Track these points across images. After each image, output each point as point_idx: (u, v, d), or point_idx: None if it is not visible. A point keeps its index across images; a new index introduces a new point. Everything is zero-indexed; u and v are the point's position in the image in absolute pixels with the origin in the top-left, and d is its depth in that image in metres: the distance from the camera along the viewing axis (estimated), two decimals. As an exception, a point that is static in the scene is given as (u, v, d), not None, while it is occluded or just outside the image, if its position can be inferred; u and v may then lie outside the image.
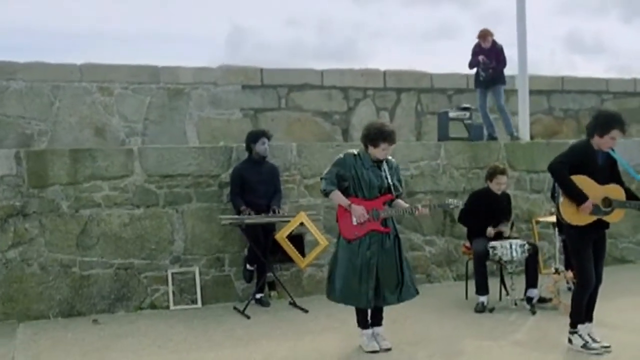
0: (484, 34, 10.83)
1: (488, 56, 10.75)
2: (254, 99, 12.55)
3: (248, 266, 8.07)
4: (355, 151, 6.23)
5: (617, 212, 6.06)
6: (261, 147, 7.94)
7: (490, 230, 7.86)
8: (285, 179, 8.46)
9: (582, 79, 14.52)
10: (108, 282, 7.77)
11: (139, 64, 12.06)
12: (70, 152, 7.81)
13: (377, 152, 6.08)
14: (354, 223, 6.06)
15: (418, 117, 13.44)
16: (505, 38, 26.62)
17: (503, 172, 7.97)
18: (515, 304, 7.63)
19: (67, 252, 7.65)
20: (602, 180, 6.02)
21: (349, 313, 6.39)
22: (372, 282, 6.01)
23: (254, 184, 7.95)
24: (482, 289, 7.70)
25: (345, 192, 6.11)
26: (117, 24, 25.93)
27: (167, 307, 7.93)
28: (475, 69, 11.04)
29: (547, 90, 14.24)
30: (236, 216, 7.72)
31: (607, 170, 6.10)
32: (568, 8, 34.79)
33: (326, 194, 6.15)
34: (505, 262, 7.55)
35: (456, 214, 8.66)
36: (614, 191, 6.02)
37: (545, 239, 9.53)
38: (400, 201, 6.32)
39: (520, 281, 7.80)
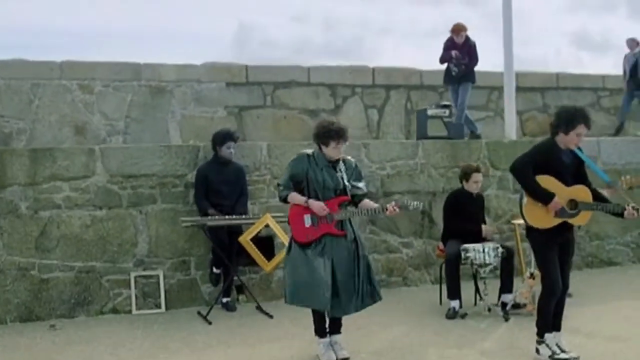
0: (458, 29, 10.52)
1: (461, 51, 10.44)
2: (239, 96, 12.31)
3: (214, 269, 7.83)
4: (309, 151, 5.97)
5: (584, 215, 5.77)
6: (226, 151, 7.71)
7: (488, 228, 7.63)
8: (255, 178, 8.21)
9: (577, 75, 14.15)
10: (68, 286, 7.55)
11: (120, 61, 11.84)
12: (30, 152, 7.60)
13: (329, 152, 5.83)
14: (307, 225, 5.81)
15: (407, 115, 13.14)
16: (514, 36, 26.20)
17: (478, 169, 7.69)
18: (489, 310, 7.34)
19: (25, 255, 7.44)
20: (568, 180, 5.74)
21: (290, 319, 6.13)
22: (328, 287, 5.73)
23: (218, 184, 7.72)
24: (453, 294, 7.41)
25: (301, 195, 5.85)
26: (121, 22, 25.85)
27: (130, 312, 7.70)
28: (445, 65, 10.72)
29: (542, 87, 13.90)
30: (197, 218, 7.48)
31: (573, 170, 5.80)
32: (575, 5, 34.31)
33: (284, 200, 5.90)
34: (478, 265, 7.25)
35: (418, 216, 8.45)
36: (580, 192, 5.72)
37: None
38: (367, 201, 6.05)
39: (496, 286, 7.52)
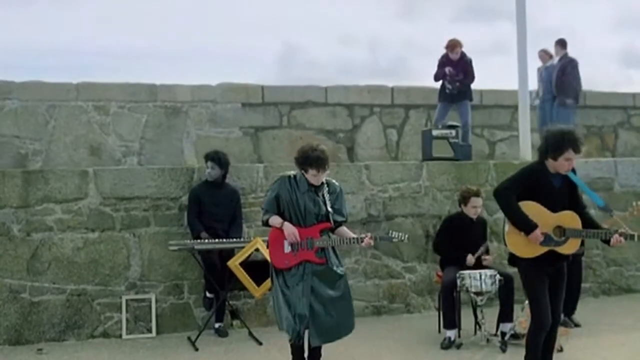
0: (453, 45, 10.24)
1: (455, 68, 10.15)
2: (255, 117, 12.21)
3: (207, 294, 7.68)
4: (292, 173, 5.79)
5: (572, 242, 5.44)
6: (205, 171, 7.61)
7: (471, 258, 7.29)
8: (252, 201, 8.06)
9: (606, 93, 13.68)
10: (59, 309, 7.49)
11: (135, 82, 11.88)
12: (22, 174, 7.60)
13: (309, 178, 5.64)
14: (286, 250, 5.63)
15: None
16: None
17: (477, 194, 7.40)
18: (488, 340, 7.02)
19: (16, 277, 7.41)
20: (558, 206, 5.43)
21: (286, 346, 5.92)
22: (305, 317, 5.53)
23: (211, 207, 7.60)
24: (449, 323, 7.12)
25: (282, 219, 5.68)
26: (172, 42, 26.10)
27: (120, 336, 7.58)
28: (440, 82, 10.47)
29: (568, 106, 13.41)
30: (186, 241, 7.36)
31: (565, 194, 5.48)
32: (623, 23, 33.47)
33: (265, 223, 5.75)
34: (474, 293, 6.95)
35: (422, 240, 8.19)
36: (568, 219, 5.41)
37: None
38: (344, 229, 5.84)
39: (495, 314, 7.21)
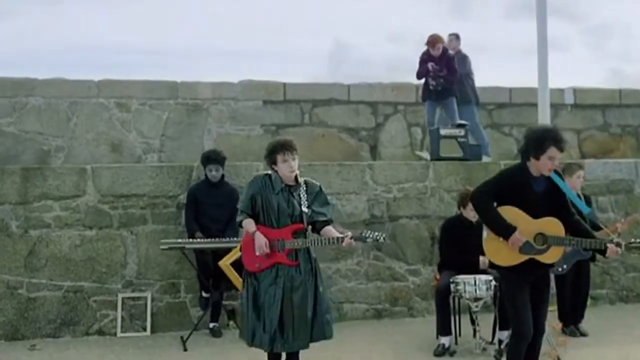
0: (434, 41, 9.94)
1: (438, 64, 9.83)
2: (276, 114, 12.11)
3: (204, 293, 7.63)
4: (267, 173, 5.65)
5: (554, 251, 5.17)
6: (209, 173, 7.53)
7: (485, 260, 7.04)
8: (251, 201, 7.93)
9: (642, 91, 13.14)
10: (55, 306, 7.53)
11: (157, 79, 11.90)
12: (21, 171, 7.67)
13: (281, 169, 5.47)
14: (257, 253, 5.48)
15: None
16: (618, 52, 25.09)
17: (476, 197, 7.11)
18: (484, 349, 6.77)
19: (14, 274, 7.48)
20: (541, 211, 5.16)
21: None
22: (275, 321, 5.39)
23: (208, 206, 7.53)
24: (444, 330, 6.90)
25: (256, 220, 5.54)
26: (222, 40, 26.22)
27: (115, 334, 7.58)
28: (423, 80, 10.23)
29: (603, 105, 12.95)
30: (178, 240, 7.31)
31: (548, 200, 5.20)
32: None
33: (239, 225, 5.61)
34: (468, 299, 6.70)
35: (427, 242, 7.96)
36: (550, 225, 5.14)
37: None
38: (330, 229, 5.65)
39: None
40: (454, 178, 8.48)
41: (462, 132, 8.99)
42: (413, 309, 8.28)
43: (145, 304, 7.68)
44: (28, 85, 11.41)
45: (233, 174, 7.88)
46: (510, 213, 5.13)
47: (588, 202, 7.45)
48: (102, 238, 7.68)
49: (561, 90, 12.90)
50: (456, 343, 6.98)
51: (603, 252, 5.08)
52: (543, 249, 5.12)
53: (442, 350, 6.78)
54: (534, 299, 5.25)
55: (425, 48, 10.23)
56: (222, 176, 7.66)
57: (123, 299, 7.65)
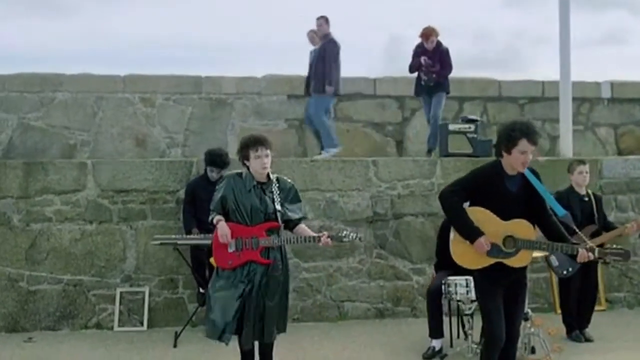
0: (428, 33, 9.57)
1: (431, 58, 9.47)
2: (300, 109, 11.91)
3: (201, 289, 7.58)
4: (239, 171, 5.57)
5: (523, 254, 4.90)
6: (210, 173, 7.49)
7: None
8: (250, 196, 7.86)
9: (683, 85, 12.49)
10: (55, 299, 7.63)
11: (181, 74, 11.94)
12: (23, 165, 7.78)
13: (253, 166, 5.39)
14: (230, 250, 5.41)
15: (483, 129, 12.15)
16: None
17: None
18: (477, 352, 6.51)
19: (15, 266, 7.60)
20: (514, 213, 4.90)
21: (284, 347, 5.89)
22: (250, 319, 5.31)
23: (206, 202, 7.36)
24: (435, 332, 6.68)
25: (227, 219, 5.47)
26: (266, 33, 26.28)
27: (112, 328, 7.63)
28: (416, 73, 9.85)
29: (640, 99, 12.40)
30: (170, 235, 7.29)
31: (523, 200, 4.94)
32: None
33: (211, 223, 5.56)
34: (460, 301, 6.47)
35: (433, 240, 7.68)
36: (520, 228, 4.87)
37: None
38: (303, 227, 5.56)
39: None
40: (461, 175, 8.17)
41: (472, 128, 8.69)
42: (416, 309, 8.06)
43: (143, 299, 7.69)
44: (55, 80, 11.59)
45: (231, 169, 7.76)
46: (479, 214, 4.89)
47: (598, 202, 7.12)
48: (102, 232, 7.73)
49: (598, 84, 12.41)
50: (451, 346, 6.76)
51: (574, 257, 4.79)
52: (511, 252, 4.86)
53: (432, 354, 6.57)
54: (508, 303, 5.00)
55: (419, 40, 9.95)
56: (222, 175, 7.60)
57: (121, 293, 7.69)
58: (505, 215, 4.87)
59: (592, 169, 8.37)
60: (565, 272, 6.83)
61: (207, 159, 7.58)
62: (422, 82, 9.63)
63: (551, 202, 5.02)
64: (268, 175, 5.49)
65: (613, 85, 12.37)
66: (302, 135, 11.92)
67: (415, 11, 28.96)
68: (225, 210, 5.45)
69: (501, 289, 4.96)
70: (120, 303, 7.67)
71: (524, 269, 5.01)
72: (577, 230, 5.05)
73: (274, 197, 5.48)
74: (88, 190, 7.72)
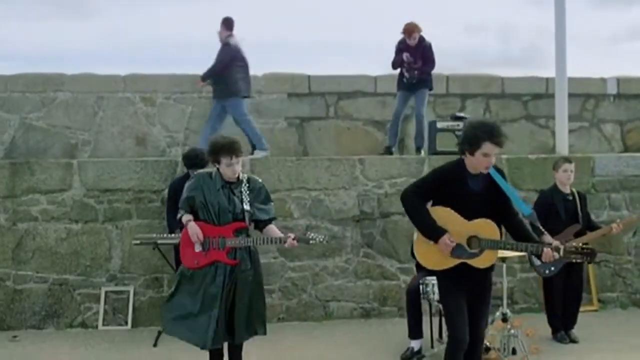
0: (410, 29, 9.41)
1: (413, 55, 9.32)
2: (300, 107, 11.92)
3: (185, 288, 7.57)
4: (208, 171, 5.56)
5: (488, 255, 4.83)
6: (192, 174, 7.43)
7: None
8: (236, 196, 7.84)
9: None
10: (41, 298, 7.68)
11: (181, 73, 11.94)
12: (10, 165, 7.84)
13: (224, 170, 5.37)
14: (197, 250, 5.40)
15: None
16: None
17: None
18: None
19: (2, 265, 7.67)
20: (478, 212, 4.82)
21: (266, 346, 5.97)
22: (214, 320, 5.29)
23: (188, 202, 7.44)
24: (414, 333, 6.62)
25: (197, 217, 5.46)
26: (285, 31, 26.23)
27: (97, 327, 7.65)
28: (398, 70, 9.70)
29: (648, 94, 12.15)
30: (150, 235, 7.28)
31: (487, 200, 4.86)
32: None
33: (179, 220, 5.55)
34: (438, 301, 6.38)
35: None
36: (485, 228, 4.79)
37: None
38: (272, 228, 5.53)
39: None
40: (450, 173, 8.08)
41: (461, 126, 8.57)
42: (403, 309, 7.85)
43: (128, 298, 7.71)
44: (57, 80, 11.64)
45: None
46: (442, 214, 4.81)
47: (582, 201, 6.99)
48: (88, 232, 7.76)
49: (603, 80, 12.18)
50: (432, 346, 6.68)
51: (539, 256, 4.69)
52: (475, 252, 4.78)
53: (410, 355, 6.51)
54: (471, 304, 4.92)
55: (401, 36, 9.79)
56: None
57: (106, 292, 7.72)
58: (469, 215, 4.79)
59: (584, 167, 8.28)
60: (547, 272, 6.72)
61: (186, 163, 7.53)
62: (404, 79, 9.53)
63: (516, 201, 4.92)
64: (238, 175, 5.46)
65: (619, 81, 12.14)
66: (302, 133, 11.87)
67: (439, 8, 28.75)
68: (194, 209, 5.44)
69: (464, 289, 4.89)
70: (105, 302, 7.70)
71: (488, 269, 4.91)
72: (542, 230, 4.94)
73: (243, 197, 5.46)
74: (74, 189, 7.76)
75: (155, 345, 6.98)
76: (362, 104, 11.92)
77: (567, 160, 7.02)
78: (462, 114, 9.06)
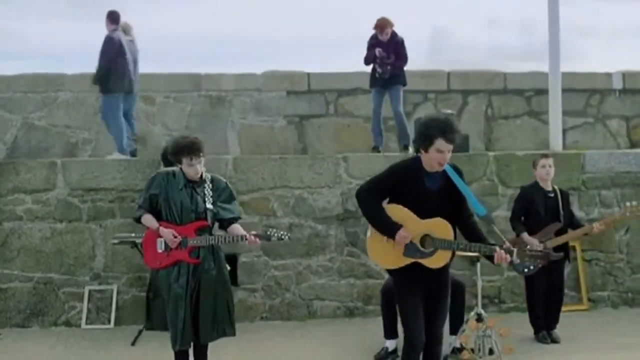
0: (382, 24, 9.27)
1: (386, 50, 9.18)
2: (300, 105, 11.90)
3: (167, 287, 7.58)
4: (170, 169, 5.55)
5: (441, 255, 4.73)
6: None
7: None
8: (219, 194, 7.82)
9: None
10: (26, 296, 7.75)
11: (180, 72, 11.99)
12: (-6, 165, 7.90)
13: (186, 170, 5.37)
14: (159, 250, 5.41)
15: (488, 122, 11.91)
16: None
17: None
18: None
19: (-12, 265, 7.72)
20: (433, 211, 4.73)
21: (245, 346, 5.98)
22: (181, 320, 5.29)
23: (169, 201, 7.45)
24: (389, 332, 6.54)
25: (158, 217, 5.46)
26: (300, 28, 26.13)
27: (80, 326, 7.70)
28: (371, 66, 9.54)
29: (654, 89, 11.90)
30: (130, 234, 7.30)
31: (444, 198, 4.77)
32: None
33: (138, 220, 5.54)
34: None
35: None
36: (438, 227, 4.70)
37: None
38: (237, 227, 5.51)
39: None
40: (436, 171, 7.99)
41: (447, 122, 8.43)
42: (386, 309, 7.87)
43: (111, 297, 7.73)
44: (58, 80, 11.76)
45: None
46: (396, 212, 4.74)
47: (565, 198, 6.85)
48: (72, 231, 7.80)
49: (609, 75, 11.97)
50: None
51: (491, 258, 4.60)
52: (428, 252, 4.70)
53: (384, 354, 6.44)
54: (427, 304, 4.84)
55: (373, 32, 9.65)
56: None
57: (90, 291, 7.75)
58: (424, 214, 4.71)
59: (574, 163, 8.13)
60: (526, 270, 6.56)
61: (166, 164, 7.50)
62: (377, 75, 9.44)
63: (472, 201, 4.83)
64: (201, 174, 5.45)
65: (625, 75, 11.92)
66: (301, 131, 11.85)
67: (461, 2, 28.48)
68: (157, 208, 5.43)
69: (419, 289, 4.80)
70: (89, 301, 7.74)
71: (444, 269, 4.82)
72: (496, 230, 4.84)
73: (206, 196, 5.44)
74: (58, 189, 7.81)
75: (133, 344, 6.98)
76: (362, 101, 11.83)
77: (545, 155, 6.89)
78: (449, 110, 8.92)
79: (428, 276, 4.76)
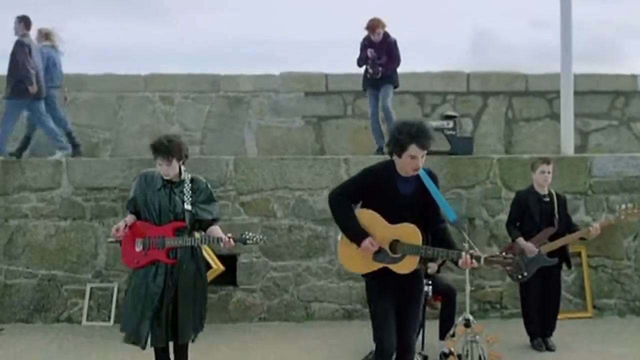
0: (374, 25, 9.11)
1: (378, 51, 9.02)
2: (318, 106, 11.86)
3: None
4: (151, 170, 5.59)
5: (410, 260, 4.67)
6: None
7: (434, 267, 6.59)
8: (220, 195, 7.85)
9: None
10: (30, 292, 7.90)
11: (200, 72, 12.08)
12: (2, 163, 8.07)
13: (161, 170, 5.40)
14: (137, 249, 5.45)
15: (508, 125, 11.71)
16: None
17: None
18: (426, 357, 6.30)
19: (-6, 261, 7.89)
20: (405, 216, 4.68)
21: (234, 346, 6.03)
22: (154, 320, 5.33)
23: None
24: (377, 335, 6.44)
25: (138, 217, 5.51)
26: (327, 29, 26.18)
27: (81, 322, 7.81)
28: (364, 67, 9.42)
29: (666, 91, 11.57)
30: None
31: (417, 203, 4.71)
32: None
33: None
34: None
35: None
36: (407, 232, 4.64)
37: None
38: (215, 229, 5.52)
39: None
40: (439, 174, 7.81)
41: (451, 124, 8.34)
42: (384, 312, 7.81)
43: (112, 294, 7.83)
44: (79, 80, 11.92)
45: (202, 167, 7.79)
46: (367, 216, 4.69)
47: (560, 203, 6.70)
48: (75, 229, 7.93)
49: (634, 77, 11.65)
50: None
51: (457, 263, 4.52)
52: (397, 257, 4.64)
53: (371, 358, 6.35)
54: (400, 309, 4.78)
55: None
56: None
57: (92, 288, 7.86)
58: (395, 218, 4.65)
59: (580, 167, 7.95)
60: (520, 277, 6.44)
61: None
62: (368, 75, 9.36)
63: (444, 207, 4.75)
64: (180, 174, 5.46)
65: (639, 77, 11.62)
66: (319, 132, 11.82)
67: (503, 3, 28.14)
68: (138, 209, 5.48)
69: (391, 294, 4.74)
70: (91, 298, 7.85)
71: (414, 274, 4.75)
72: (467, 238, 4.76)
73: (185, 196, 5.45)
74: (63, 187, 7.94)
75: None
76: (379, 102, 11.72)
77: (545, 160, 6.73)
78: (452, 113, 8.80)
79: (400, 281, 4.70)
